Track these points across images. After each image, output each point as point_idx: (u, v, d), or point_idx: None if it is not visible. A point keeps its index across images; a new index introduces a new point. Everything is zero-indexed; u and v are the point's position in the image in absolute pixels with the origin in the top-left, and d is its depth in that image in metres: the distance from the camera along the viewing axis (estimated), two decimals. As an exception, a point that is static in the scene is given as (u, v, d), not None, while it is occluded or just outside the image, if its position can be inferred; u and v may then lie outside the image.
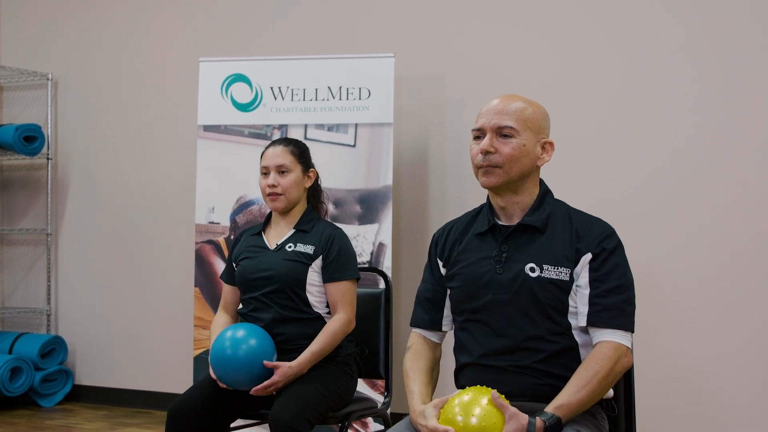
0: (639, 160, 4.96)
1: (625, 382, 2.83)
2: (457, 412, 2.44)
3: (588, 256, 2.60)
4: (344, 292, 3.61)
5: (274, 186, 3.64)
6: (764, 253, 4.70)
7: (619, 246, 2.64)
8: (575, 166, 4.95)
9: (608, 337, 2.55)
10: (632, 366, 2.74)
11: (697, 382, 4.83)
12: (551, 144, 2.71)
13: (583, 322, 2.58)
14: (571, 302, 2.60)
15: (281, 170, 3.65)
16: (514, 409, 2.40)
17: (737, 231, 4.75)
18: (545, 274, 2.59)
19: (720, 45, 4.84)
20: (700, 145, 4.84)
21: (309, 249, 3.61)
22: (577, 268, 2.60)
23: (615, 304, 2.58)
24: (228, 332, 3.45)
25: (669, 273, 4.86)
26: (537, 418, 2.41)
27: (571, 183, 4.54)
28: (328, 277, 3.61)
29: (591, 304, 2.58)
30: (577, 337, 2.61)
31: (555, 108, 2.82)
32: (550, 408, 2.45)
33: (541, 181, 2.76)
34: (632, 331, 2.60)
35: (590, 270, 2.60)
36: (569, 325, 2.60)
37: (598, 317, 2.57)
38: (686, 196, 4.84)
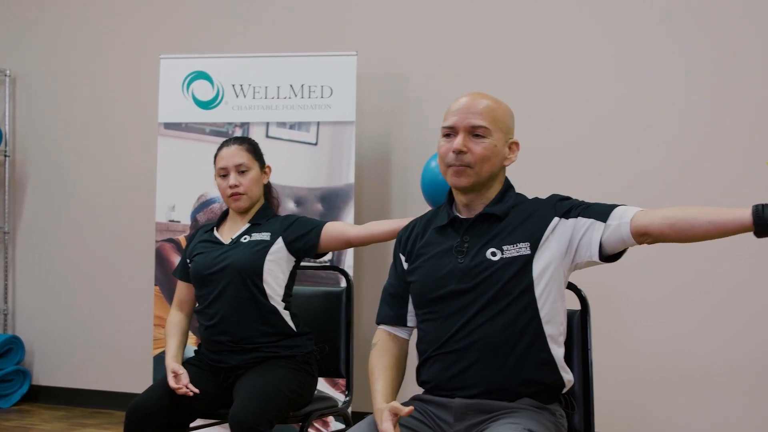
0: (617, 167, 4.99)
1: (583, 379, 2.84)
2: None
3: (556, 219, 2.63)
4: (336, 224, 3.63)
5: (236, 186, 3.62)
6: (725, 255, 4.75)
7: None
8: (538, 168, 4.96)
9: (630, 211, 2.56)
10: (590, 363, 2.77)
11: (656, 380, 4.86)
12: (517, 144, 2.75)
13: (597, 239, 2.57)
14: (548, 263, 2.61)
15: (241, 169, 3.64)
16: None
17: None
18: (506, 255, 2.60)
19: (709, 44, 4.87)
20: (687, 150, 4.87)
21: (265, 236, 3.60)
22: (551, 233, 2.61)
23: (603, 205, 2.62)
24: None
25: (630, 272, 4.89)
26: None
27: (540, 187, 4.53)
28: (309, 238, 3.60)
29: (591, 215, 2.60)
30: (544, 316, 2.60)
31: (515, 107, 2.83)
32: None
33: (506, 179, 2.78)
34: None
35: (569, 217, 2.62)
36: (534, 302, 2.60)
37: (607, 212, 2.59)
38: (672, 199, 4.87)
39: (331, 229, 3.60)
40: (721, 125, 4.77)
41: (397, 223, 3.44)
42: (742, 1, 4.78)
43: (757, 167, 4.61)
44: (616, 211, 2.58)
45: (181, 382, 3.40)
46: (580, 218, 2.61)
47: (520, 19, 5.26)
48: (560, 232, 2.62)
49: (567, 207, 2.65)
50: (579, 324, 2.90)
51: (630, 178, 4.91)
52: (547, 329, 2.61)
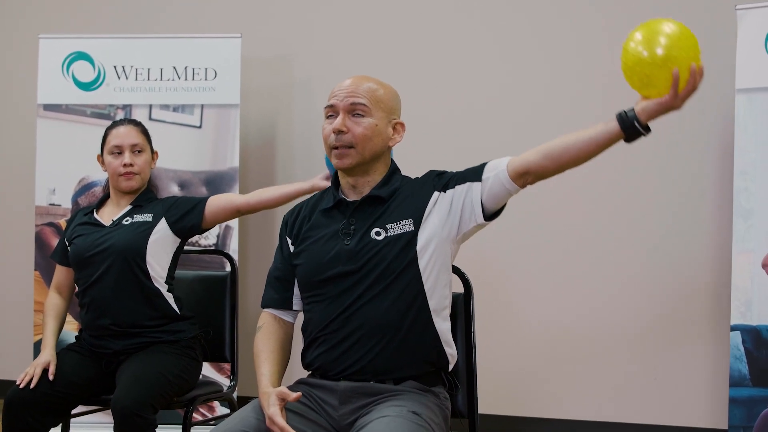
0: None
1: (466, 361, 2.89)
2: (640, 50, 2.36)
3: (436, 194, 2.67)
4: (220, 196, 3.66)
5: (131, 165, 3.59)
6: (601, 230, 4.87)
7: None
8: (418, 145, 5.01)
9: (503, 160, 2.62)
10: (473, 345, 2.82)
11: (540, 358, 4.97)
12: (402, 125, 2.77)
13: (477, 199, 2.63)
14: (431, 233, 2.64)
15: (136, 149, 3.62)
16: None
17: (584, 226, 4.90)
18: (390, 233, 2.63)
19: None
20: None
21: (147, 217, 3.57)
22: (433, 207, 2.66)
23: (474, 167, 2.68)
24: None
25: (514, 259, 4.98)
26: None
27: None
28: (193, 215, 3.59)
29: (465, 180, 2.66)
30: (429, 289, 2.63)
31: (404, 91, 2.85)
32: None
33: (392, 161, 2.80)
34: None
35: (446, 189, 2.67)
36: (419, 275, 2.62)
37: (479, 171, 2.65)
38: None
39: (216, 201, 3.61)
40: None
41: (286, 188, 3.51)
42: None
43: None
44: (487, 166, 2.64)
45: (27, 379, 3.36)
46: (456, 187, 2.65)
47: (408, 1, 5.29)
48: (440, 205, 2.65)
49: (445, 180, 2.69)
50: (462, 307, 2.94)
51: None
52: (432, 303, 2.64)
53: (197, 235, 4.01)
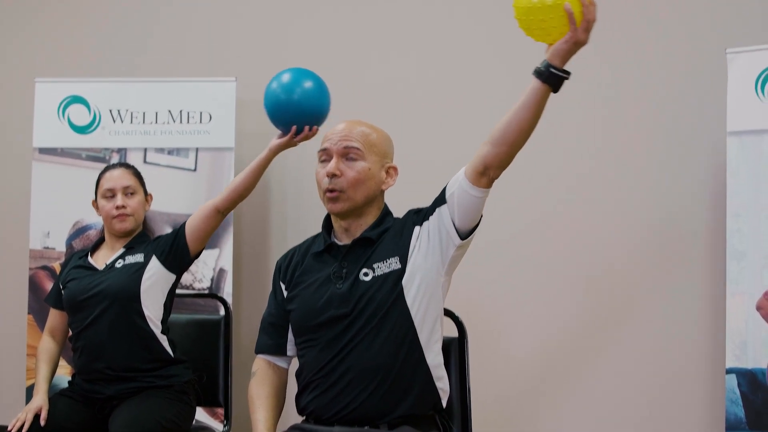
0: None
1: (461, 404, 2.88)
2: None
3: (417, 229, 2.69)
4: (195, 212, 3.65)
5: (123, 207, 3.60)
6: (591, 262, 4.87)
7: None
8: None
9: (460, 172, 2.63)
10: (468, 389, 2.81)
11: (533, 395, 4.95)
12: (395, 168, 2.80)
13: (449, 221, 2.64)
14: (422, 256, 2.67)
15: (128, 191, 3.63)
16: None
17: (570, 250, 4.91)
18: (378, 272, 2.65)
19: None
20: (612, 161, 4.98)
21: (139, 258, 3.58)
22: (417, 242, 2.67)
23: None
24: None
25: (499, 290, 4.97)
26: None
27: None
28: (178, 241, 3.60)
29: (434, 207, 2.69)
30: (418, 324, 2.63)
31: (396, 135, 2.87)
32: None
33: (384, 204, 2.82)
34: None
35: (422, 222, 2.70)
36: (407, 311, 2.63)
37: (442, 194, 2.68)
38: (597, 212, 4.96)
39: (193, 217, 3.64)
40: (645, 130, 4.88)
41: (249, 167, 3.57)
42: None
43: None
44: (448, 185, 2.67)
45: (19, 424, 3.34)
46: (430, 218, 2.68)
47: (400, 44, 5.31)
48: (421, 239, 2.68)
49: (422, 215, 2.72)
50: (457, 350, 2.94)
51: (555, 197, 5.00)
52: (422, 338, 2.65)
53: (190, 270, 4.00)
